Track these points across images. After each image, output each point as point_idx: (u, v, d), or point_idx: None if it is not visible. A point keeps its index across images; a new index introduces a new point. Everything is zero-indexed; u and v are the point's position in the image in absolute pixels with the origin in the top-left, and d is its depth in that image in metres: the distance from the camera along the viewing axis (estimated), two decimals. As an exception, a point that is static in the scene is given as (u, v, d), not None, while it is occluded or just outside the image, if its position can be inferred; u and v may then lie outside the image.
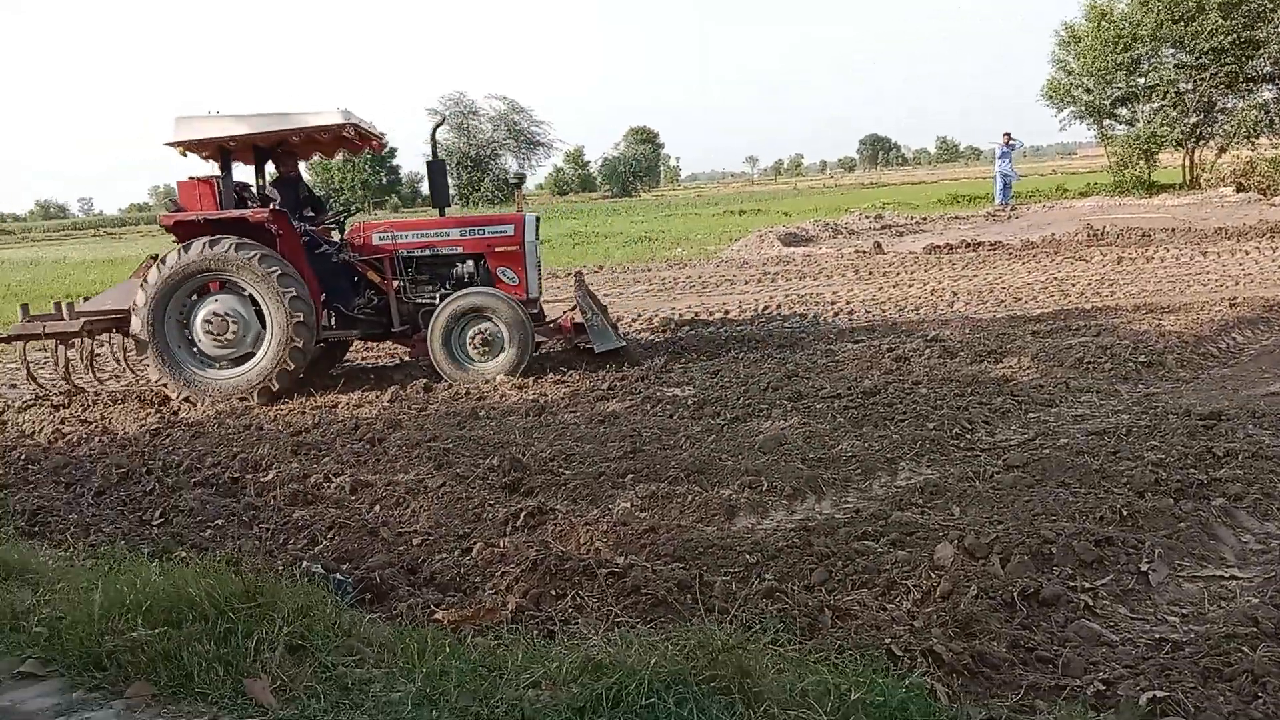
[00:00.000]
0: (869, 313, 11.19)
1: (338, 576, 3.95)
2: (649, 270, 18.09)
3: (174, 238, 8.53)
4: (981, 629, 3.31)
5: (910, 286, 13.24)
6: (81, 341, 9.23)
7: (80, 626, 3.16)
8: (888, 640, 3.20)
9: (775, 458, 5.46)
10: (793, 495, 4.85)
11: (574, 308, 9.22)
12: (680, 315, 11.81)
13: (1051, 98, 32.74)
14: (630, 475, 5.32)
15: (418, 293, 8.97)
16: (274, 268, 8.19)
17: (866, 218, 27.17)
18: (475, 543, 4.41)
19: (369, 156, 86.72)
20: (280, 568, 3.94)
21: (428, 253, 9.00)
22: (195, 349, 8.50)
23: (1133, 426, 5.66)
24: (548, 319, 9.54)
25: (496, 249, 8.95)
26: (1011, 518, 4.33)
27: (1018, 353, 7.99)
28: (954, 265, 15.41)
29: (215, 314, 8.38)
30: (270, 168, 9.51)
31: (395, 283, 8.89)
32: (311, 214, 9.43)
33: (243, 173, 9.46)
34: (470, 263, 9.00)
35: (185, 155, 8.57)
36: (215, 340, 8.40)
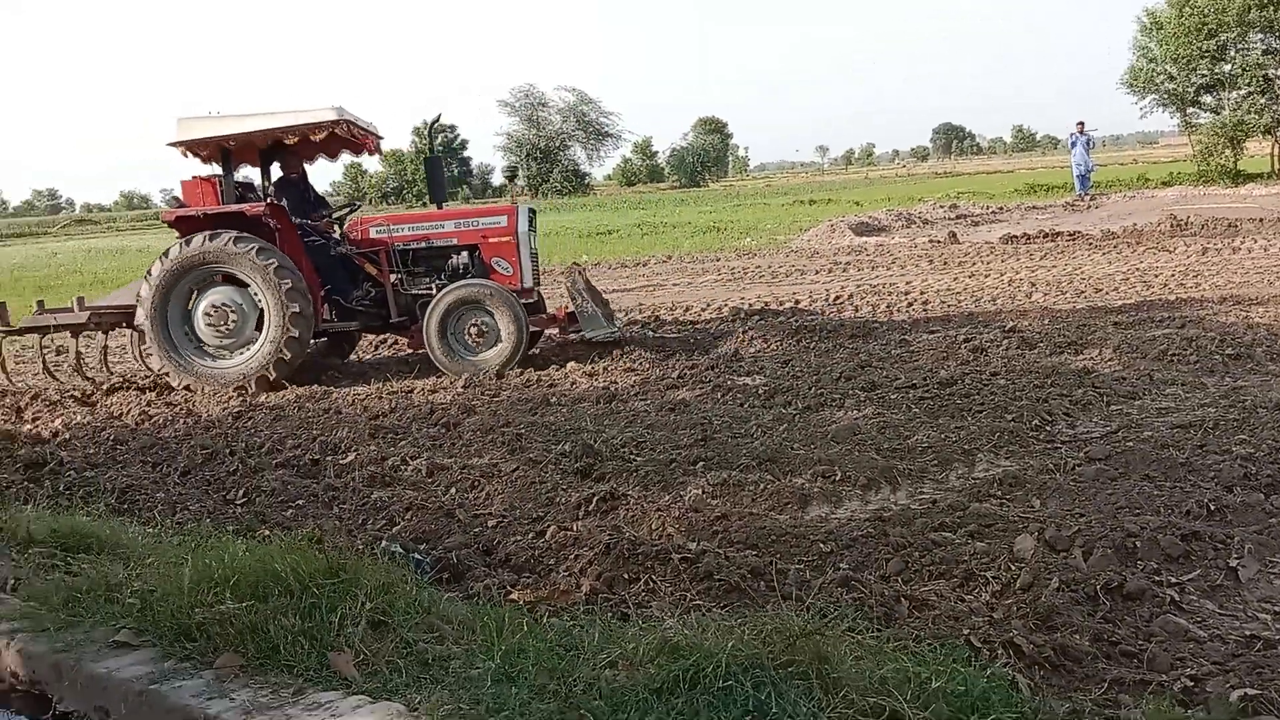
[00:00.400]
0: (944, 303, 11.01)
1: (416, 556, 4.02)
2: (718, 260, 18.04)
3: (177, 234, 8.78)
4: (1063, 622, 3.24)
5: (986, 277, 13.01)
6: (105, 335, 9.65)
7: (171, 599, 3.27)
8: (966, 631, 3.14)
9: (849, 447, 5.41)
10: (867, 485, 4.80)
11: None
12: (750, 305, 11.76)
13: (1133, 85, 31.87)
14: (701, 463, 5.32)
15: (414, 284, 9.08)
16: (271, 260, 8.37)
17: (940, 207, 26.78)
18: (549, 526, 4.44)
19: (441, 149, 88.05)
20: (360, 546, 4.02)
21: (423, 245, 9.15)
22: (198, 340, 8.73)
23: (1220, 420, 5.48)
24: (545, 310, 9.62)
25: (490, 240, 9.05)
26: (1094, 511, 4.23)
27: (1099, 344, 7.79)
28: (1031, 255, 15.10)
29: (215, 305, 8.60)
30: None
31: (392, 275, 9.04)
32: (317, 212, 9.62)
33: (253, 175, 9.79)
34: (465, 254, 9.11)
35: (187, 156, 8.81)
36: (215, 331, 8.62)
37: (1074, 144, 28.59)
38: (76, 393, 8.74)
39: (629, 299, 13.36)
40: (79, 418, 7.62)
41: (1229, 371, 6.90)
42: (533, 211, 9.49)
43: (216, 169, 8.98)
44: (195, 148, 8.76)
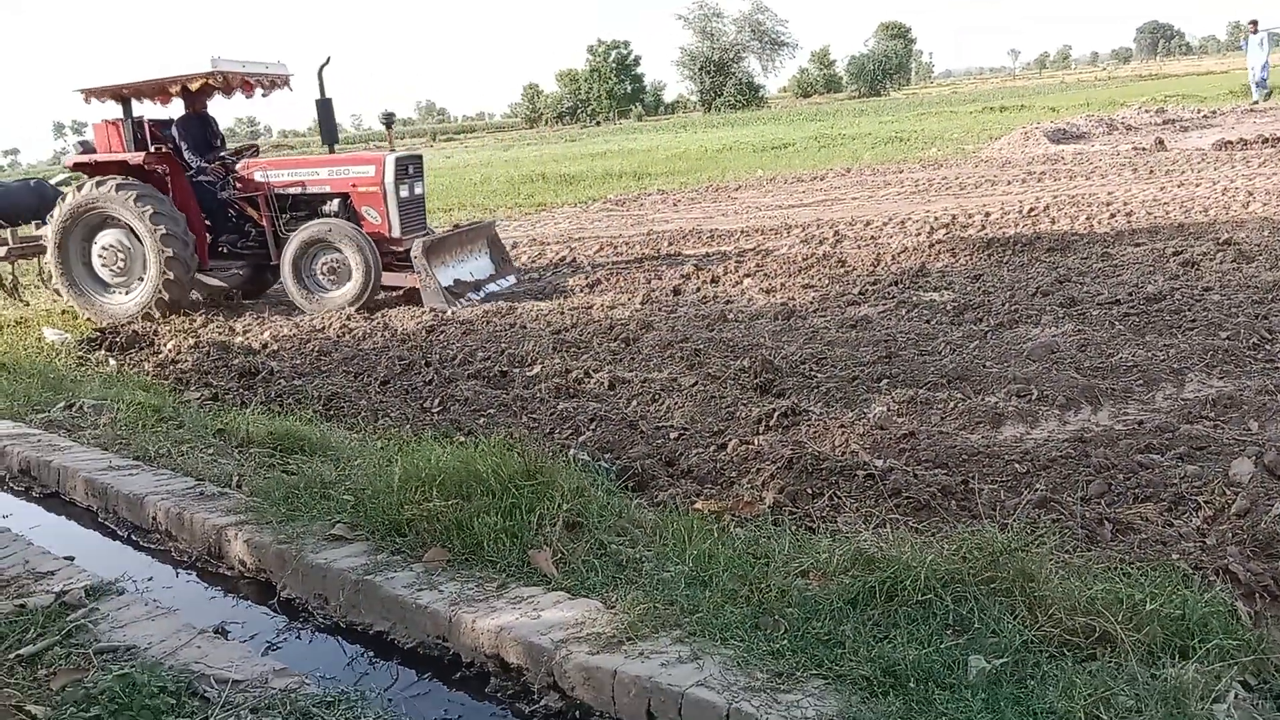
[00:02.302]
0: (1150, 214, 10.26)
1: (602, 464, 4.12)
2: (900, 172, 17.39)
3: (85, 176, 9.40)
4: (1286, 551, 3.03)
5: (1197, 186, 12.03)
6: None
7: (381, 496, 3.48)
8: (1176, 556, 2.98)
9: (1046, 366, 5.18)
10: (1065, 405, 4.58)
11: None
12: (936, 218, 11.31)
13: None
14: (885, 380, 5.21)
15: (292, 227, 9.24)
16: (147, 206, 8.85)
17: (1146, 112, 24.80)
18: (729, 439, 4.46)
19: (615, 65, 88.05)
20: (550, 454, 4.15)
21: (300, 191, 9.35)
22: (97, 276, 9.40)
23: None
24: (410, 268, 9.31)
25: (359, 189, 9.16)
26: (1321, 435, 3.91)
27: (1327, 258, 7.12)
28: (1248, 163, 13.86)
29: (108, 246, 9.30)
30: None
31: (272, 219, 9.27)
32: (220, 149, 9.90)
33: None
34: (336, 201, 9.27)
35: (89, 102, 9.33)
36: (109, 269, 9.36)
37: (1246, 45, 25.63)
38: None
39: (805, 214, 13.09)
40: (285, 330, 8.13)
41: None
42: (412, 159, 9.51)
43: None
44: (96, 94, 9.28)
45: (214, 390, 6.31)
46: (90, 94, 9.33)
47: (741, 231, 11.94)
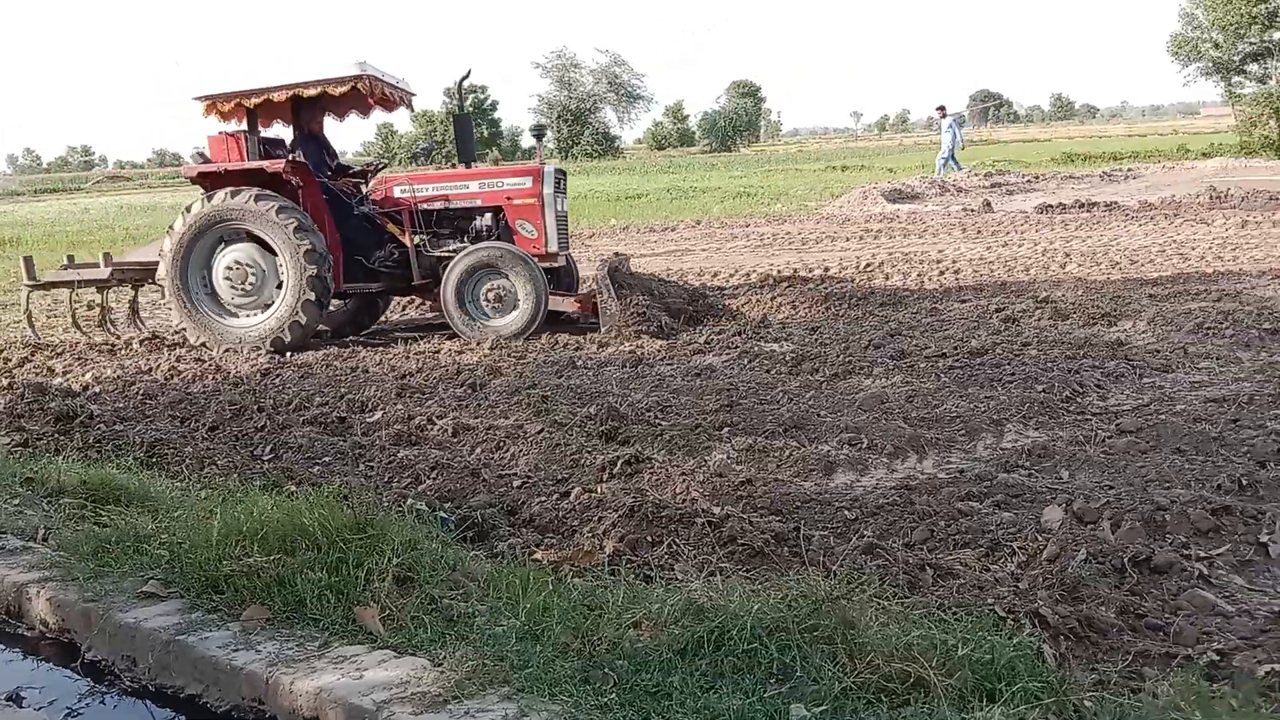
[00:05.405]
0: (976, 272, 10.89)
1: (441, 514, 4.03)
2: (747, 226, 17.92)
3: (201, 189, 8.72)
4: (1089, 593, 3.20)
5: (1020, 246, 12.85)
6: (134, 291, 9.74)
7: (199, 551, 3.31)
8: (991, 601, 3.12)
9: (876, 415, 5.37)
10: (894, 454, 4.77)
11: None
12: (779, 271, 11.67)
13: (1176, 54, 31.26)
14: (726, 428, 5.30)
15: (437, 245, 8.91)
16: (291, 220, 8.21)
17: (975, 175, 26.39)
18: (573, 487, 4.44)
19: (471, 108, 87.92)
20: (386, 504, 4.04)
21: (446, 205, 8.98)
22: (216, 297, 8.66)
23: (1255, 394, 5.39)
24: (578, 286, 9.21)
25: (514, 201, 8.81)
26: (1123, 483, 4.17)
27: (1133, 316, 7.70)
28: (1066, 225, 14.91)
29: (236, 263, 8.51)
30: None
31: (415, 236, 8.88)
32: (334, 170, 9.49)
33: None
34: (488, 216, 8.91)
35: (208, 116, 8.69)
36: (235, 289, 8.54)
37: (939, 127, 27.70)
38: (104, 346, 8.86)
39: (656, 264, 13.30)
40: (109, 372, 7.69)
41: (1265, 346, 6.78)
42: (561, 173, 9.19)
43: (241, 125, 8.86)
44: (217, 104, 8.62)
45: (25, 435, 5.88)
46: (211, 102, 8.53)
47: (593, 279, 12.01)
